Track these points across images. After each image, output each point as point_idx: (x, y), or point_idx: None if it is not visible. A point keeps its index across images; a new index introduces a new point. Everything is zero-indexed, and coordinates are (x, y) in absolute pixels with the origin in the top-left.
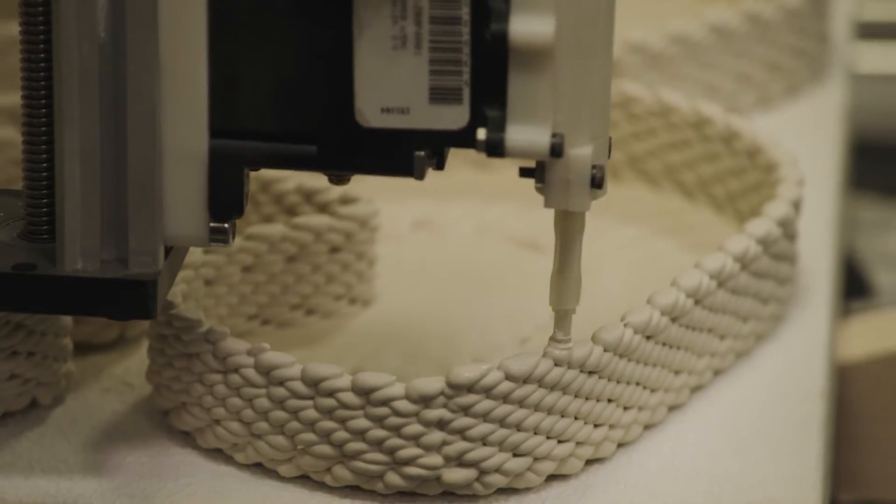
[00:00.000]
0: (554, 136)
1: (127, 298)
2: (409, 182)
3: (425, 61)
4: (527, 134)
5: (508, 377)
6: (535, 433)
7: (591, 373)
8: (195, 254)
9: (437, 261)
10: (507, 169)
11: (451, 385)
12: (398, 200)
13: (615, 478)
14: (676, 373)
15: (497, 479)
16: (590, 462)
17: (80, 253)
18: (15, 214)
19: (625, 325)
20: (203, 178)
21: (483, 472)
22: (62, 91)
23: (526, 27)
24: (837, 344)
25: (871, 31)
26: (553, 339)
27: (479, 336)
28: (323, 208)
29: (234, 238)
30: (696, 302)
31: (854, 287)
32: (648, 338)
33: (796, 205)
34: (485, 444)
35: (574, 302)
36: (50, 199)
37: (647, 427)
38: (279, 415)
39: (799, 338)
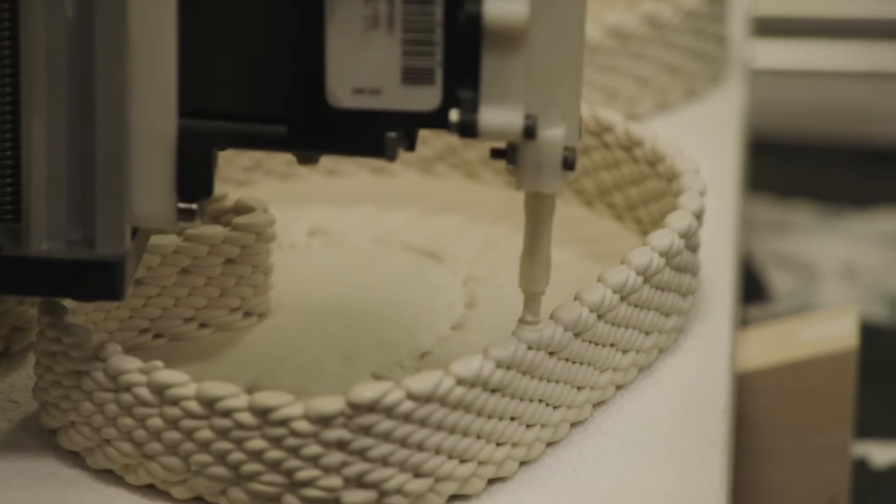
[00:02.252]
0: (527, 117)
1: (94, 279)
2: (304, 188)
3: (398, 42)
4: (500, 115)
5: (410, 396)
6: (437, 453)
7: (493, 390)
8: None
9: (334, 271)
10: (404, 174)
11: (351, 405)
12: (293, 207)
13: (517, 497)
14: (579, 388)
15: (398, 501)
16: (492, 481)
17: (45, 233)
18: None
19: (527, 345)
20: (171, 158)
21: (383, 494)
22: (29, 71)
23: (499, 8)
24: (737, 354)
25: (767, 27)
26: (522, 321)
27: (378, 350)
28: (217, 218)
29: (201, 218)
30: (599, 316)
31: (751, 290)
32: (552, 354)
33: (698, 216)
34: (385, 465)
35: (543, 284)
36: (14, 179)
37: (550, 444)
38: (172, 435)
39: (701, 350)
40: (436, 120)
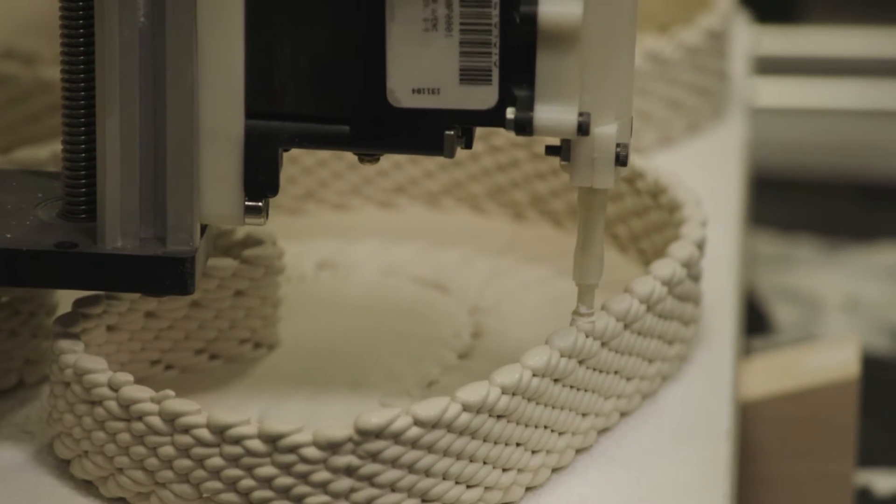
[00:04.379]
0: (581, 114)
1: (166, 275)
2: (312, 222)
3: (456, 43)
4: (554, 113)
5: (417, 422)
6: (444, 478)
7: (499, 417)
8: (97, 300)
9: (342, 302)
10: (411, 208)
11: (359, 431)
12: (302, 241)
13: None
14: (584, 415)
15: None
16: None
17: (119, 231)
18: (53, 195)
19: (530, 369)
20: (239, 157)
21: None
22: (104, 75)
23: (554, 8)
24: (740, 383)
25: (769, 66)
26: (576, 312)
27: (386, 380)
28: (226, 251)
29: (267, 217)
30: (603, 344)
31: (754, 323)
32: (556, 381)
33: (700, 245)
34: (393, 491)
35: (596, 277)
36: (88, 180)
37: (555, 470)
38: (184, 463)
39: (703, 378)
40: (492, 118)
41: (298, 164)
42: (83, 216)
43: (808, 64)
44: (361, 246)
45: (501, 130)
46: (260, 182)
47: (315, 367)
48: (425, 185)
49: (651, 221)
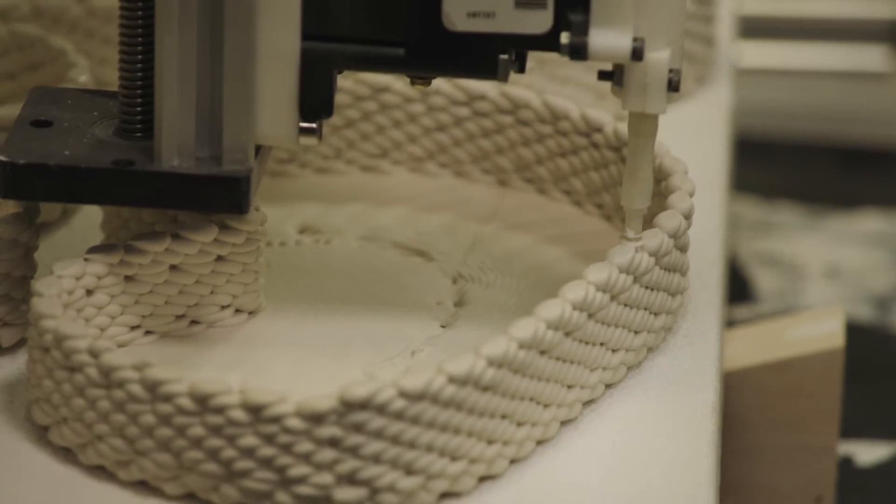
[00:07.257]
0: (635, 40)
1: (221, 194)
2: (294, 186)
3: None
4: (609, 38)
5: (402, 394)
6: (429, 451)
7: (485, 389)
8: (76, 264)
9: (324, 268)
10: (395, 172)
11: (343, 402)
12: (284, 204)
13: (507, 495)
14: (569, 387)
15: (389, 499)
16: (482, 479)
17: (176, 150)
18: (108, 113)
19: (516, 341)
20: (295, 79)
21: (375, 491)
22: None
23: None
24: (725, 353)
25: (751, 27)
26: (624, 237)
27: (369, 348)
28: (208, 216)
29: (321, 138)
30: (590, 316)
31: (735, 290)
32: (542, 352)
33: (688, 216)
34: (377, 463)
35: (645, 202)
36: (145, 98)
37: (540, 443)
38: (164, 432)
39: (689, 349)
40: (547, 42)
41: None
42: (139, 135)
43: (792, 25)
44: (344, 210)
45: (487, 94)
46: (315, 104)
47: (297, 334)
48: (409, 150)
49: None
